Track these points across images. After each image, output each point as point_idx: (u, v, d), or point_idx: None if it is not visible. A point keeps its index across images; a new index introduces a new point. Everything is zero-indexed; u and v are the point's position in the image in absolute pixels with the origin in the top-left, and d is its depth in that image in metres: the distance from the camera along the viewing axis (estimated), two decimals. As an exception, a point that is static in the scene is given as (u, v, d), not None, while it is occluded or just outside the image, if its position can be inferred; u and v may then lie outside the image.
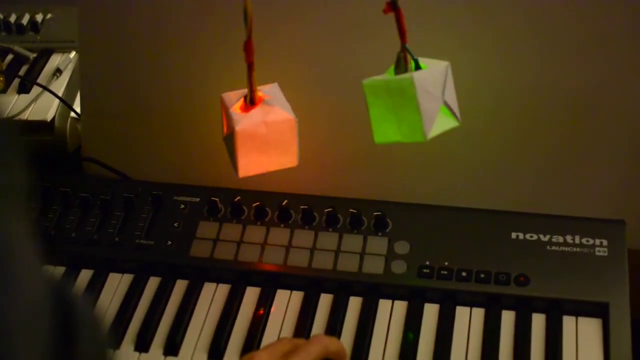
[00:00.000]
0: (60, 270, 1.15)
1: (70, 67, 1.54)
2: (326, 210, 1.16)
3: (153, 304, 1.12)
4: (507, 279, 1.08)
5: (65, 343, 0.53)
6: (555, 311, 1.07)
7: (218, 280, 1.14)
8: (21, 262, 0.50)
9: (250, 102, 1.02)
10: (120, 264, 1.16)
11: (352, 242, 1.14)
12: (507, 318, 1.07)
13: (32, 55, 1.58)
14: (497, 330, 1.05)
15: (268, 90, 1.04)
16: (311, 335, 1.06)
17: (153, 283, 1.14)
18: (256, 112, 1.01)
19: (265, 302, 1.10)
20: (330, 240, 1.14)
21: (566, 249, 1.11)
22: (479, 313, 1.08)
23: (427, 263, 1.11)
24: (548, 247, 1.11)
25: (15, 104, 1.47)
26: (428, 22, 1.13)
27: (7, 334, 0.47)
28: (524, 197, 1.19)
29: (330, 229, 1.15)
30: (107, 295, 1.13)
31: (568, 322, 1.06)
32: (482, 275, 1.09)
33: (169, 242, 1.16)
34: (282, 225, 1.16)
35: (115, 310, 1.11)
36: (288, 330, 1.08)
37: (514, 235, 1.13)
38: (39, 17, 1.63)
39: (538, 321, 1.06)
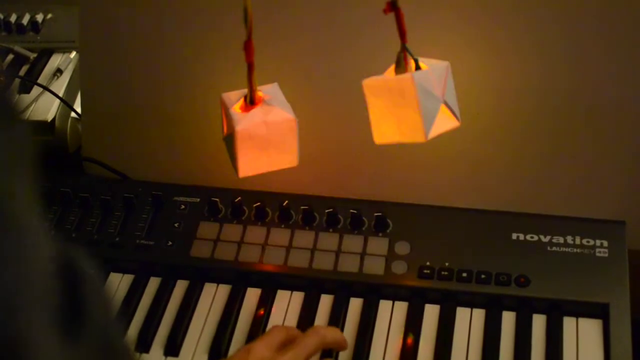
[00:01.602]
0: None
1: (71, 67, 1.54)
2: (326, 210, 1.16)
3: (153, 305, 1.12)
4: (507, 279, 1.08)
5: (74, 311, 0.53)
6: (555, 312, 1.07)
7: (218, 281, 1.14)
8: (27, 229, 0.50)
9: (250, 102, 1.02)
10: (121, 264, 1.16)
11: (353, 242, 1.14)
12: (508, 319, 1.07)
13: (33, 55, 1.57)
14: (497, 331, 1.05)
15: (268, 90, 1.04)
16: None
17: (153, 283, 1.15)
18: (256, 112, 1.01)
19: (265, 303, 1.10)
20: (331, 241, 1.14)
21: (567, 249, 1.11)
22: (479, 314, 1.08)
23: (428, 264, 1.11)
24: (548, 248, 1.11)
25: (15, 104, 1.46)
26: (428, 22, 1.13)
27: (13, 302, 0.47)
28: (524, 197, 1.19)
29: (331, 230, 1.15)
30: (107, 295, 1.13)
31: (568, 322, 1.06)
32: (483, 276, 1.09)
33: (170, 243, 1.16)
34: (282, 226, 1.16)
35: (115, 311, 1.11)
36: (288, 331, 1.07)
37: (514, 235, 1.13)
38: (39, 17, 1.62)
39: (538, 322, 1.06)
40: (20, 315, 0.47)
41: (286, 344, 0.98)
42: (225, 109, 1.03)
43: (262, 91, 1.03)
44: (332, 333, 1.02)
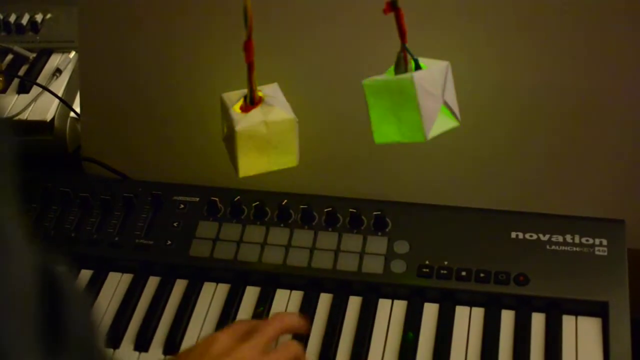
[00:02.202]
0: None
1: (70, 67, 1.54)
2: (326, 210, 1.16)
3: (153, 304, 1.12)
4: (506, 278, 1.08)
5: (55, 325, 0.53)
6: (554, 310, 1.07)
7: (218, 280, 1.14)
8: (9, 238, 0.50)
9: (250, 102, 1.02)
10: (120, 264, 1.16)
11: (352, 241, 1.14)
12: (507, 317, 1.07)
13: (32, 55, 1.58)
14: (496, 329, 1.06)
15: (268, 90, 1.04)
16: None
17: (153, 283, 1.15)
18: (256, 112, 1.01)
19: (265, 302, 1.11)
20: (330, 240, 1.14)
21: (566, 248, 1.11)
22: (478, 312, 1.08)
23: (427, 262, 1.11)
24: (548, 247, 1.11)
25: (15, 104, 1.47)
26: (428, 22, 1.14)
27: None
28: (524, 197, 1.19)
29: (330, 229, 1.15)
30: (107, 294, 1.13)
31: (568, 321, 1.06)
32: (482, 275, 1.09)
33: (169, 242, 1.16)
34: (281, 225, 1.17)
35: (115, 310, 1.11)
36: (288, 330, 1.08)
37: (513, 234, 1.13)
38: (38, 17, 1.63)
39: (538, 320, 1.06)
40: (2, 331, 0.48)
41: (249, 333, 0.98)
42: (225, 109, 1.03)
43: (262, 91, 1.03)
44: (292, 319, 1.03)
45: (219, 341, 0.94)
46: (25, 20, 1.62)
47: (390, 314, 1.09)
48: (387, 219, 1.15)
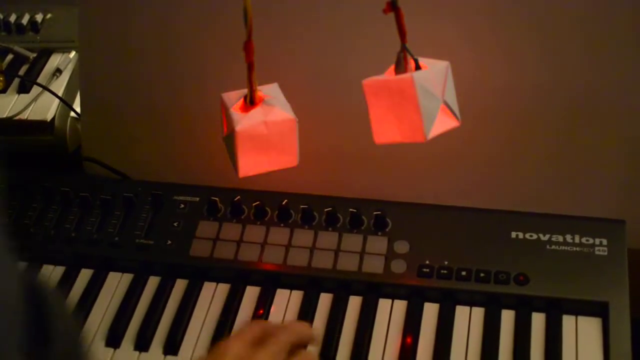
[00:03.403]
0: (60, 270, 1.16)
1: (70, 67, 1.54)
2: (326, 209, 1.16)
3: (153, 304, 1.12)
4: (506, 278, 1.08)
5: (41, 332, 0.53)
6: (555, 310, 1.07)
7: (218, 280, 1.14)
8: None
9: (250, 102, 1.02)
10: (120, 264, 1.16)
11: (352, 241, 1.14)
12: (507, 317, 1.07)
13: (32, 55, 1.58)
14: (496, 329, 1.06)
15: (268, 90, 1.04)
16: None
17: (153, 282, 1.15)
18: (256, 112, 1.01)
19: (265, 302, 1.11)
20: (330, 240, 1.14)
21: (566, 248, 1.11)
22: (478, 312, 1.08)
23: (427, 262, 1.11)
24: (548, 247, 1.11)
25: (15, 104, 1.47)
26: (428, 22, 1.13)
27: None
28: (524, 197, 1.19)
29: (330, 229, 1.16)
30: (107, 294, 1.14)
31: (568, 321, 1.06)
32: (482, 275, 1.09)
33: (169, 242, 1.16)
34: (282, 225, 1.17)
35: (115, 310, 1.11)
36: (288, 330, 1.08)
37: (513, 234, 1.13)
38: (39, 17, 1.63)
39: (538, 320, 1.06)
40: None
41: (262, 338, 0.97)
42: (225, 109, 1.03)
43: (262, 91, 1.03)
44: (306, 329, 1.03)
45: (231, 349, 0.93)
46: (25, 20, 1.63)
47: (390, 314, 1.09)
48: (387, 219, 1.15)
